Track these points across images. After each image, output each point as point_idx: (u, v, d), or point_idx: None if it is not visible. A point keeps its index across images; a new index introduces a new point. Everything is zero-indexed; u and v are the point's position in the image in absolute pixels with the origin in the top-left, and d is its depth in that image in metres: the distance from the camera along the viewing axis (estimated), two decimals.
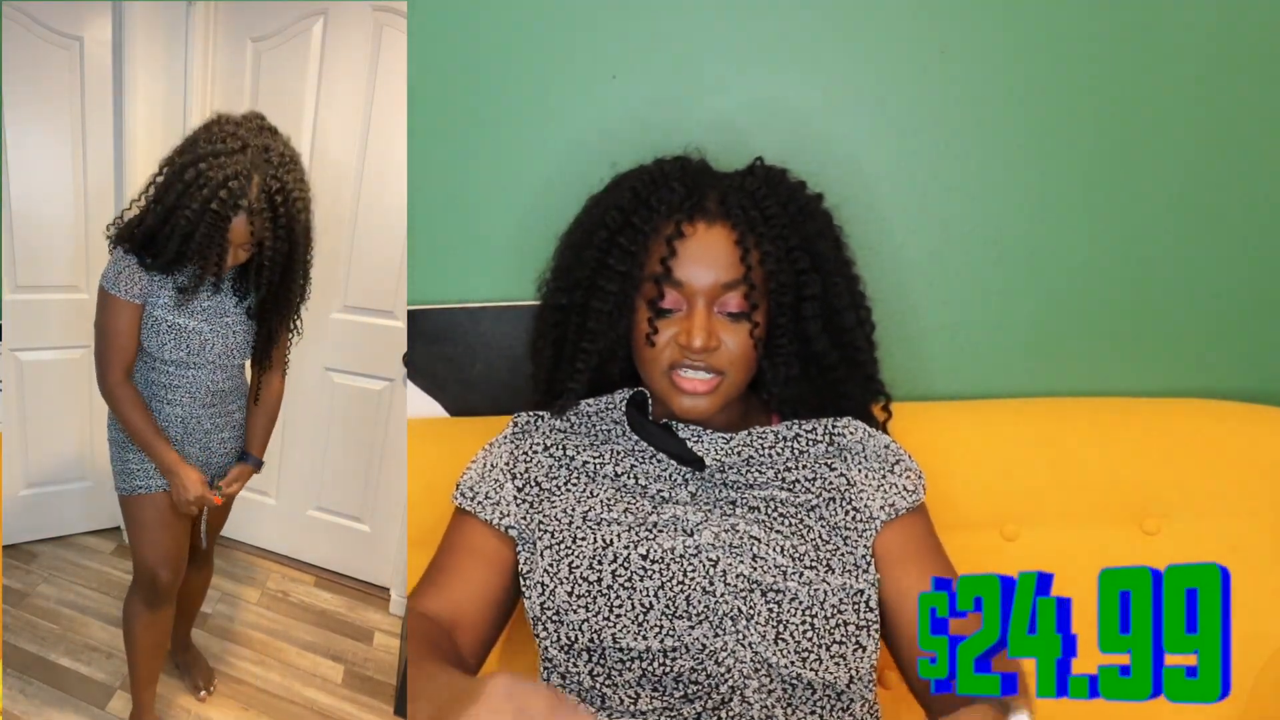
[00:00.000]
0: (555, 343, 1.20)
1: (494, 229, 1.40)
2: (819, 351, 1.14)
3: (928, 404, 1.36)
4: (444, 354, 1.42)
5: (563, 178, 1.35)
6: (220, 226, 1.29)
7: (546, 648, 1.06)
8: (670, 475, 1.11)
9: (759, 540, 1.05)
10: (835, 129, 1.36)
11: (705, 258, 1.07)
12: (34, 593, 2.02)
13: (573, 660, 1.04)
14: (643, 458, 1.12)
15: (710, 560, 1.04)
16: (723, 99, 1.35)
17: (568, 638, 1.03)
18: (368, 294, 2.05)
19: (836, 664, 1.02)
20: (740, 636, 1.01)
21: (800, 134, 1.34)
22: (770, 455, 1.11)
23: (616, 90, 1.36)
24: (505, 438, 1.17)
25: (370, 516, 2.19)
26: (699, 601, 1.02)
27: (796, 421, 1.14)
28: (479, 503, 1.12)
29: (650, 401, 1.15)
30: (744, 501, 1.09)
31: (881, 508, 1.10)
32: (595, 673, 1.03)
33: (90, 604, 2.00)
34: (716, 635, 1.01)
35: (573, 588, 1.03)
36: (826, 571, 1.05)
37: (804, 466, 1.11)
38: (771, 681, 1.01)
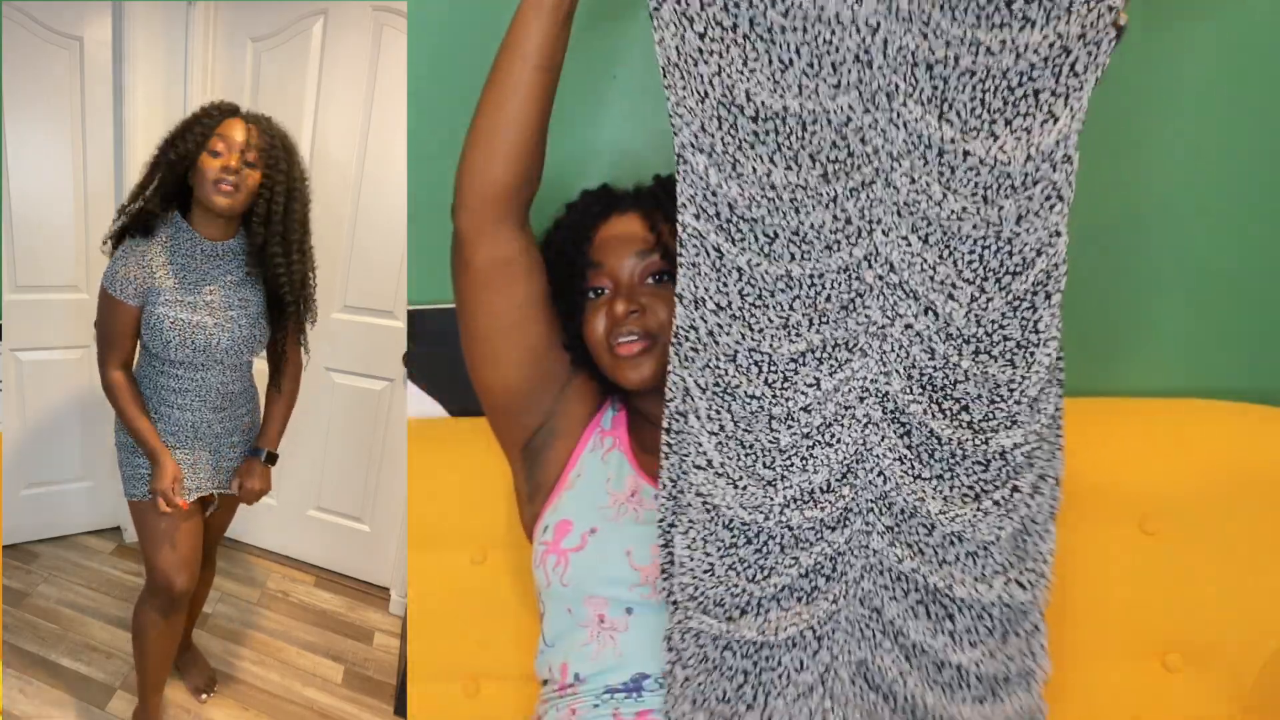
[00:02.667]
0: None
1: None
2: None
3: None
4: (444, 354, 1.42)
5: (563, 177, 1.35)
6: (209, 128, 1.32)
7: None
8: None
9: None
10: None
11: (619, 238, 1.18)
12: (34, 593, 2.02)
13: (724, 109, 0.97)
14: None
15: (870, 26, 0.93)
16: None
17: (698, 91, 0.96)
18: (368, 294, 2.05)
19: (1018, 139, 0.93)
20: (895, 115, 0.95)
21: None
22: None
23: (617, 89, 1.36)
24: None
25: (370, 516, 2.19)
26: (850, 70, 0.94)
27: None
28: None
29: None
30: None
31: None
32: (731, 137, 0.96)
33: (90, 604, 2.00)
34: (867, 111, 0.95)
35: (705, 29, 0.95)
36: (1019, 28, 0.91)
37: None
38: (927, 164, 0.95)
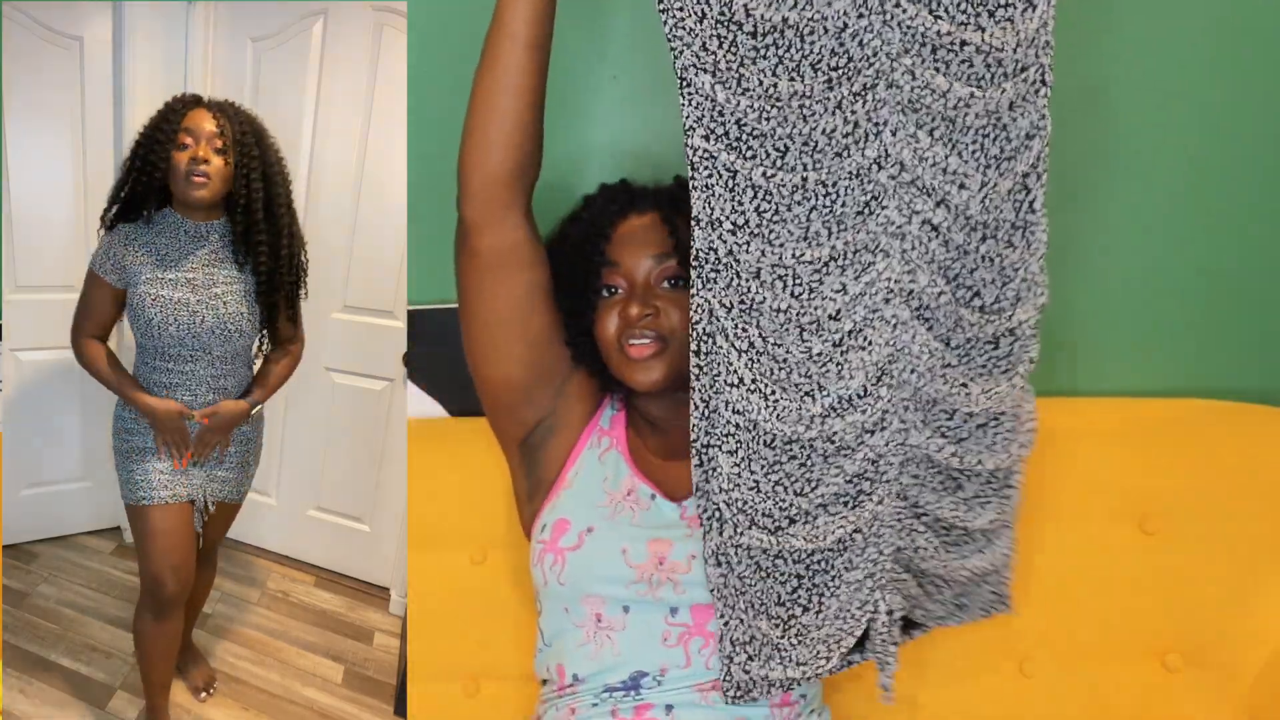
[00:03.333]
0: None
1: None
2: None
3: None
4: (444, 354, 1.42)
5: (563, 177, 1.35)
6: (175, 123, 1.34)
7: None
8: None
9: None
10: None
11: (636, 239, 1.17)
12: (34, 593, 2.02)
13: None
14: None
15: None
16: None
17: (696, 12, 0.97)
18: (368, 294, 2.05)
19: (1003, 28, 0.97)
20: (888, 16, 0.97)
21: None
22: None
23: (617, 90, 1.36)
24: None
25: (370, 516, 2.19)
26: None
27: None
28: None
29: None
30: None
31: None
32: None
33: (90, 604, 2.00)
34: (861, 15, 0.97)
35: None
36: None
37: None
38: (923, 60, 0.97)
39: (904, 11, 0.96)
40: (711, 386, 1.05)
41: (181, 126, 1.34)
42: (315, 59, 1.96)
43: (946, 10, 0.96)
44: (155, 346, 1.40)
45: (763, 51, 0.96)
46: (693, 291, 1.03)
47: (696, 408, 1.05)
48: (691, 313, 1.04)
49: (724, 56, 0.97)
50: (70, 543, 2.27)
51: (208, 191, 1.35)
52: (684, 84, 0.98)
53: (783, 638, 1.09)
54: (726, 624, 1.08)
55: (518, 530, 1.26)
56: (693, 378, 1.05)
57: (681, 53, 0.97)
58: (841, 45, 0.97)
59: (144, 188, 1.38)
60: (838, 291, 1.03)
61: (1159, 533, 1.31)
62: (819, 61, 0.97)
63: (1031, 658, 1.31)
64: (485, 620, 1.36)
